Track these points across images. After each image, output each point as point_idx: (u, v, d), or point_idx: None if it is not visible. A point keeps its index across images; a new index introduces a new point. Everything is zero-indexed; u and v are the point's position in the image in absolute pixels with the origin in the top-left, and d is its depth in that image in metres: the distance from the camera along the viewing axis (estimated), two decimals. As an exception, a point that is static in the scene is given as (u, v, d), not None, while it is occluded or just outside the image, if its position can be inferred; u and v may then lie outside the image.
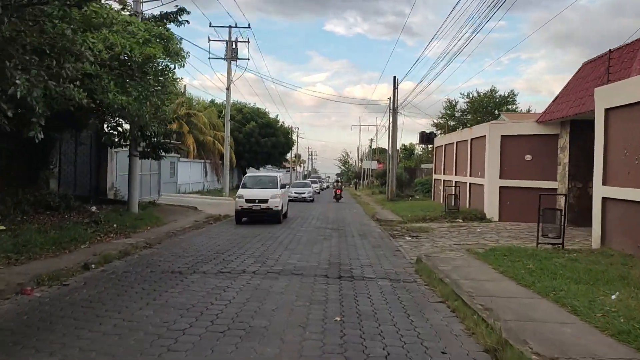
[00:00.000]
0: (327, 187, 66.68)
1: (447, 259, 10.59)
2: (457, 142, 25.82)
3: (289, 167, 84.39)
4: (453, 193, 22.58)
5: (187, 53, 13.55)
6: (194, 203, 24.09)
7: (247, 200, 18.12)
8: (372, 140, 74.73)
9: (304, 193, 35.07)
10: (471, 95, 53.31)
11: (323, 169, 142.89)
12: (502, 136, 19.86)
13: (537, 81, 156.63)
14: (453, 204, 22.02)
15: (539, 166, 19.20)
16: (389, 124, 35.95)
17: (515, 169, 19.57)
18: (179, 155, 31.47)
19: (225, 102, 30.76)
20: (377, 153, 74.92)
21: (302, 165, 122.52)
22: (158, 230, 14.69)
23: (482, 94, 52.85)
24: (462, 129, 32.60)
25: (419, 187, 38.19)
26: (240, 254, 11.27)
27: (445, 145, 28.66)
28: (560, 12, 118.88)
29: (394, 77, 34.08)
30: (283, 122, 51.31)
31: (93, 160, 20.57)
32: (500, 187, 19.73)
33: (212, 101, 45.95)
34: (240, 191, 18.92)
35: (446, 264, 9.92)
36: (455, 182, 24.93)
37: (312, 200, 35.28)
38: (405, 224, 19.61)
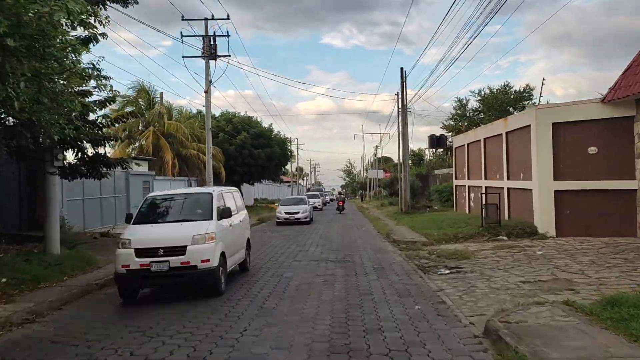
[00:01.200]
0: (332, 200, 62.07)
1: (548, 333, 5.74)
2: (484, 139, 21.01)
3: (289, 182, 79.66)
4: (487, 202, 17.74)
5: (106, 18, 8.89)
6: (164, 230, 19.32)
7: (140, 253, 8.24)
8: (376, 147, 69.98)
9: (297, 213, 26.39)
10: (483, 93, 48.85)
11: (327, 181, 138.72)
12: (553, 124, 15.02)
13: (537, 83, 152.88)
14: (486, 214, 17.16)
15: (608, 161, 14.37)
16: (398, 124, 31.21)
17: (576, 166, 14.73)
18: (153, 173, 26.78)
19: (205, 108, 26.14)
20: (382, 162, 70.35)
21: (304, 178, 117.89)
22: (79, 280, 9.94)
23: (495, 90, 48.37)
24: (476, 128, 27.72)
25: (435, 195, 33.31)
26: (176, 332, 6.49)
27: (468, 144, 23.82)
28: (555, 13, 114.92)
29: (401, 68, 29.25)
30: (278, 132, 46.43)
31: (24, 185, 15.91)
32: (556, 192, 14.87)
33: (199, 112, 41.38)
34: (130, 231, 8.89)
35: (556, 349, 5.11)
36: (486, 187, 20.10)
37: (309, 222, 26.81)
38: (432, 246, 14.81)
